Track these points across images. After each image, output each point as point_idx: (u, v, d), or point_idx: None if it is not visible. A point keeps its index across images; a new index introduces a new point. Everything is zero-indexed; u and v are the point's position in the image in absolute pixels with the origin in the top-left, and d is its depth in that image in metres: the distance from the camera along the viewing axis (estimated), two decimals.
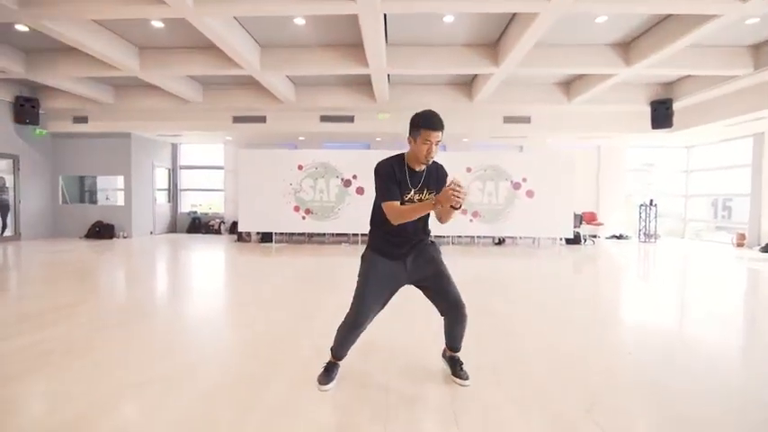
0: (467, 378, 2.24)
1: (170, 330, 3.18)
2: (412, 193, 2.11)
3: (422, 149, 2.03)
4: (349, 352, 2.27)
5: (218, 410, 1.95)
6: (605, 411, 1.97)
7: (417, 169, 2.12)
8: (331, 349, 2.27)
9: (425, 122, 2.01)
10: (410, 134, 2.08)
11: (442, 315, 2.22)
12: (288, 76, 8.19)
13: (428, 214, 2.13)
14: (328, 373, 2.23)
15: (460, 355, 2.33)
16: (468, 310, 2.18)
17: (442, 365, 2.41)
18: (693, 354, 2.82)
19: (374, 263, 2.14)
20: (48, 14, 5.00)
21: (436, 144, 2.03)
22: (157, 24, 5.93)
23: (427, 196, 2.13)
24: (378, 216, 2.16)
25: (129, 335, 3.01)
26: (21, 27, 5.93)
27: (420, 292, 2.24)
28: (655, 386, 2.26)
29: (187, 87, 8.29)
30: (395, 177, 2.08)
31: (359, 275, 2.16)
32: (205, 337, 3.09)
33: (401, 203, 2.07)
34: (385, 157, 2.16)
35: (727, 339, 3.18)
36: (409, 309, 3.54)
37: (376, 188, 2.11)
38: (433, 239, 2.27)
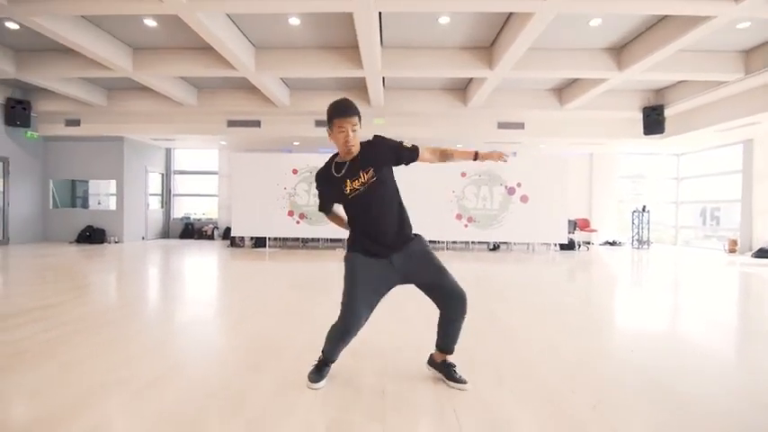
0: (465, 381, 2.07)
1: (151, 334, 3.01)
2: (350, 183, 1.97)
3: (339, 139, 1.93)
4: (341, 354, 2.13)
5: (201, 414, 1.78)
6: (611, 408, 1.87)
7: (349, 159, 1.99)
8: (322, 351, 2.12)
9: (334, 111, 1.92)
10: (328, 127, 1.99)
11: (441, 309, 2.08)
12: (282, 79, 8.18)
13: (389, 202, 2.01)
14: (319, 371, 2.10)
15: (451, 358, 2.16)
16: (468, 311, 2.06)
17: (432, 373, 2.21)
18: (698, 355, 2.69)
19: (357, 263, 2.01)
20: (39, 10, 4.94)
21: (353, 130, 1.92)
22: (150, 23, 5.90)
23: (367, 176, 1.95)
24: (350, 216, 2.10)
25: (106, 337, 2.83)
26: (11, 25, 5.88)
27: (419, 290, 2.10)
28: (658, 386, 2.12)
29: (181, 90, 8.25)
30: (327, 182, 2.03)
31: (344, 279, 2.01)
32: (189, 339, 2.92)
33: (346, 197, 2.00)
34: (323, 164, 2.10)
35: (732, 340, 3.13)
36: (406, 308, 3.47)
37: None
38: (417, 233, 2.11)
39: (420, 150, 2.02)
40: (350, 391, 2.02)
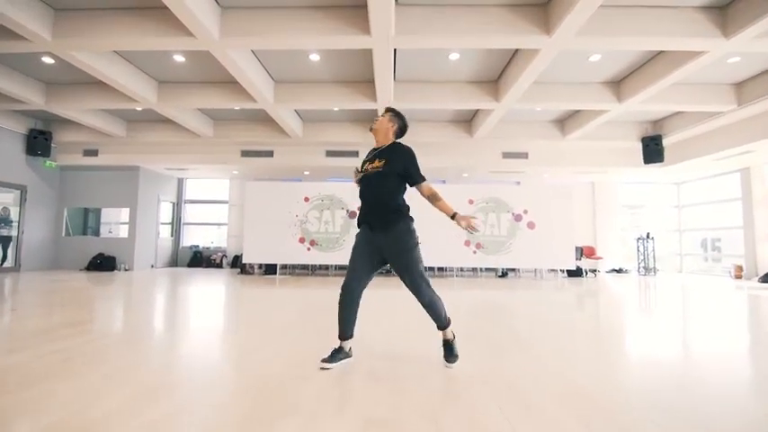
0: (448, 364, 2.43)
1: (193, 347, 3.14)
2: (368, 163, 2.52)
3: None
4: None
5: (254, 410, 1.91)
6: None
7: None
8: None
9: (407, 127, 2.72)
10: (398, 129, 2.62)
11: None
12: (297, 111, 8.55)
13: (381, 188, 2.43)
14: (332, 355, 2.41)
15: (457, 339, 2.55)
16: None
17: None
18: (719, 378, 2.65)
19: (358, 238, 2.52)
20: (79, 45, 5.30)
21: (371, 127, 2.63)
22: (179, 59, 6.28)
23: (378, 164, 2.45)
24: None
25: (144, 350, 2.95)
26: (47, 60, 6.26)
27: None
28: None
29: (198, 121, 8.59)
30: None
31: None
32: (226, 350, 3.04)
33: (360, 172, 2.56)
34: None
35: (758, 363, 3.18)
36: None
37: None
38: (405, 222, 2.42)
39: (425, 182, 2.49)
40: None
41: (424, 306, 2.44)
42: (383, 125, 2.55)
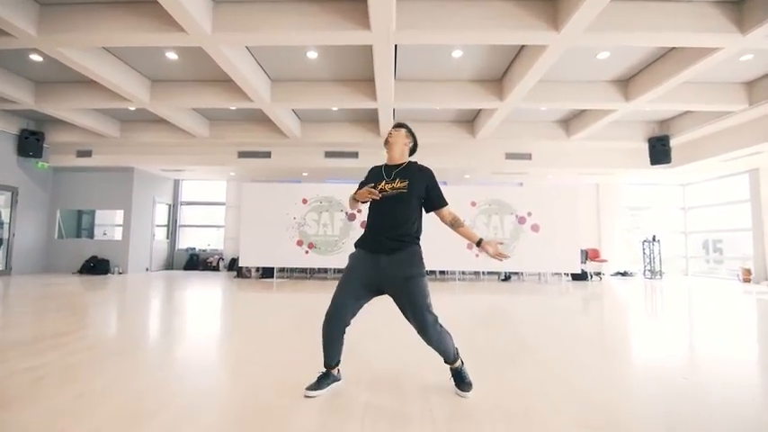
0: (461, 394, 2.15)
1: (176, 364, 2.92)
2: (385, 183, 2.21)
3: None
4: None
5: None
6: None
7: (393, 164, 2.31)
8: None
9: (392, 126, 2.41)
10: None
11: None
12: (294, 111, 8.33)
13: (402, 213, 2.14)
14: (318, 382, 2.16)
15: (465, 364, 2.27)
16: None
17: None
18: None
19: (354, 258, 2.20)
20: (67, 42, 5.08)
21: (396, 139, 2.30)
22: (171, 56, 6.06)
23: (399, 185, 2.17)
24: (369, 209, 2.27)
25: (118, 368, 2.72)
26: (35, 57, 6.05)
27: None
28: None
29: (193, 121, 8.37)
30: (374, 176, 2.30)
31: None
32: (213, 368, 2.83)
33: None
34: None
35: None
36: None
37: None
38: (416, 246, 2.16)
39: (446, 207, 2.24)
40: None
41: (431, 345, 2.12)
42: (400, 139, 2.27)
